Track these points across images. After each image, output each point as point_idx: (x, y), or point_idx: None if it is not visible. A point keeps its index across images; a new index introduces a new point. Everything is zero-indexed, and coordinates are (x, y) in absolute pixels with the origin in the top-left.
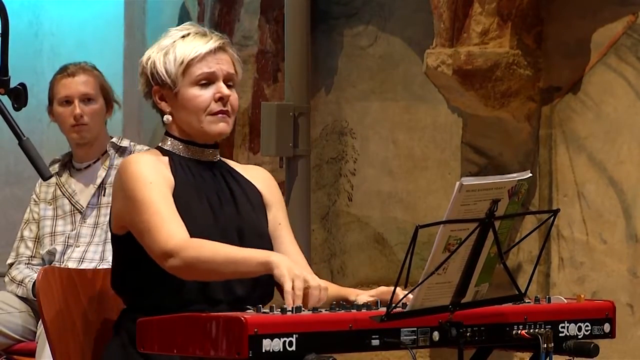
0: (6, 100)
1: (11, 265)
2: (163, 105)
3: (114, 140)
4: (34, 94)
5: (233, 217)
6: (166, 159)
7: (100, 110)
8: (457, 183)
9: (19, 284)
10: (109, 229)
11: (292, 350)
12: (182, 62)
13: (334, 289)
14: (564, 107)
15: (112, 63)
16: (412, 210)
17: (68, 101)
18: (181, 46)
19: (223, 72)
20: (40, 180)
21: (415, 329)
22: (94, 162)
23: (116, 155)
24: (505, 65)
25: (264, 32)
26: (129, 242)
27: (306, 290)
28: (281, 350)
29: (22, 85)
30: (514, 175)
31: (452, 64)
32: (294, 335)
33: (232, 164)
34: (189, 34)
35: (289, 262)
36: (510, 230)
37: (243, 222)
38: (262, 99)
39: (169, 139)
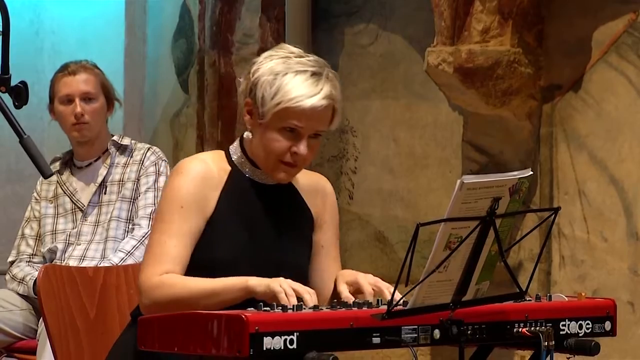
0: (7, 98)
1: (12, 263)
2: (248, 120)
3: (115, 138)
4: (35, 92)
5: (273, 249)
6: (227, 170)
7: (101, 108)
8: (458, 181)
9: (20, 282)
10: (110, 227)
11: (293, 348)
12: (278, 104)
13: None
14: (564, 106)
15: (113, 61)
16: (413, 209)
17: (69, 100)
18: (289, 84)
19: (313, 130)
20: (41, 178)
21: (416, 327)
22: (95, 161)
23: (117, 153)
24: (506, 64)
25: (265, 31)
26: None
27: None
28: (282, 348)
29: (23, 83)
30: (515, 173)
31: (453, 62)
32: (295, 334)
33: (298, 175)
34: (305, 72)
35: (266, 280)
36: (511, 228)
37: (282, 255)
38: None
39: (243, 154)
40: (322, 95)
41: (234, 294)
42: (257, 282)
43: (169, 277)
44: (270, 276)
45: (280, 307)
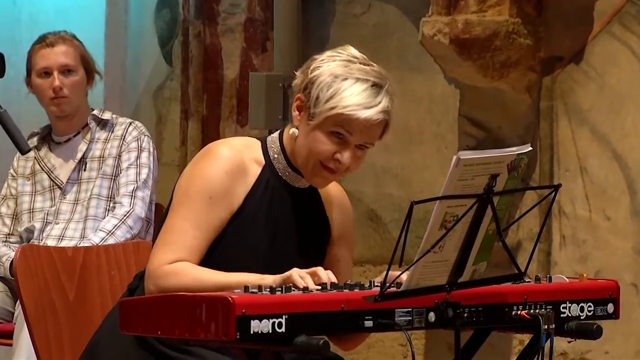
0: None
1: None
2: (296, 115)
3: (95, 112)
4: (12, 64)
5: (290, 251)
6: (260, 163)
7: (81, 81)
8: (454, 157)
9: None
10: (90, 205)
11: (282, 331)
12: (333, 108)
13: None
14: (565, 78)
15: (93, 32)
16: (407, 186)
17: (47, 72)
18: (347, 91)
19: (361, 141)
20: (18, 154)
21: (410, 309)
22: (75, 136)
23: (97, 128)
24: (504, 34)
25: (252, 0)
26: None
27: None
28: (270, 331)
29: (0, 55)
30: (514, 149)
31: (449, 33)
32: (284, 316)
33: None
34: (366, 81)
35: (281, 275)
36: (510, 206)
37: (299, 259)
38: (250, 70)
39: (280, 149)
40: (379, 109)
41: None
42: (272, 280)
43: (182, 265)
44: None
45: (268, 290)
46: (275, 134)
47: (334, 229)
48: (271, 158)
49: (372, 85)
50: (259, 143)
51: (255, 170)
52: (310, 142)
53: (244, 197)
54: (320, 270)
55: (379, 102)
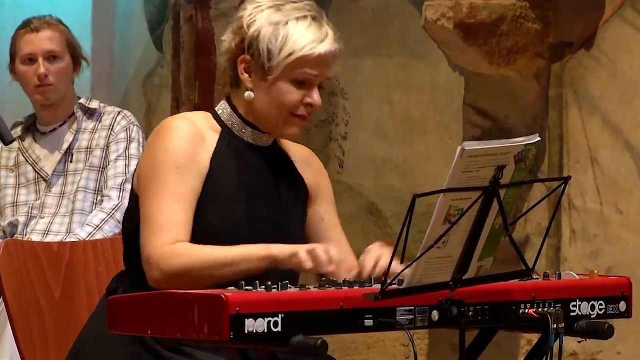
0: None
1: None
2: (246, 78)
3: (82, 101)
4: None
5: (270, 214)
6: (217, 131)
7: (67, 68)
8: (459, 148)
9: None
10: (76, 199)
11: (278, 331)
12: (290, 54)
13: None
14: (576, 65)
15: (80, 17)
16: (409, 178)
17: (32, 59)
18: (295, 33)
19: (323, 77)
20: (1, 145)
21: (412, 308)
22: (60, 126)
23: (84, 118)
24: (511, 19)
25: None
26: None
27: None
28: (265, 331)
29: None
30: (521, 139)
31: (453, 17)
32: (280, 315)
33: (285, 146)
34: (306, 18)
35: (289, 247)
36: (517, 199)
37: (280, 220)
38: None
39: (233, 113)
40: (330, 38)
41: (255, 264)
42: (279, 250)
43: (183, 246)
44: (265, 241)
45: (263, 287)
46: (223, 102)
47: (309, 185)
48: (225, 122)
49: (312, 20)
50: (209, 114)
51: (213, 136)
52: (276, 97)
53: (209, 161)
54: (332, 248)
55: (327, 33)
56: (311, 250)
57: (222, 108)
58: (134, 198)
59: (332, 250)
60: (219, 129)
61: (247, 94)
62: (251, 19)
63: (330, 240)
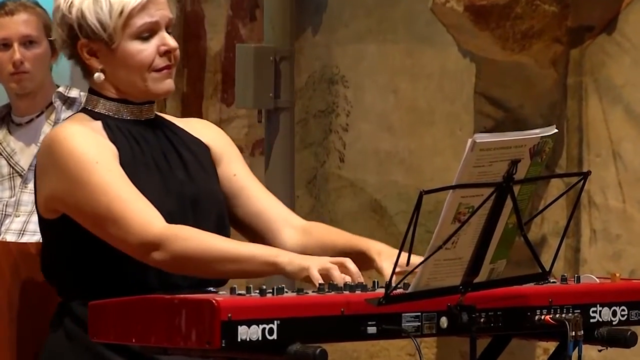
0: None
1: None
2: (93, 61)
3: (60, 89)
4: None
5: (185, 183)
6: (98, 123)
7: (44, 54)
8: (469, 141)
9: None
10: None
11: (273, 339)
12: (121, 12)
13: (343, 239)
14: (596, 51)
15: None
16: (416, 173)
17: (6, 44)
18: None
19: (165, 20)
20: None
21: (419, 314)
22: (37, 116)
23: (63, 107)
24: (526, 1)
25: None
26: (65, 227)
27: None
28: (260, 339)
29: None
30: (537, 131)
31: None
32: (275, 322)
33: (171, 118)
34: None
35: (301, 258)
36: (532, 196)
37: (197, 188)
38: (237, 41)
39: (100, 99)
40: None
41: (259, 267)
42: (288, 260)
43: (186, 229)
44: (189, 211)
45: (257, 291)
46: (86, 99)
47: (210, 146)
48: (102, 112)
49: None
50: (83, 114)
51: (100, 131)
52: (129, 61)
53: (113, 145)
54: (348, 262)
55: None
56: (326, 269)
57: (89, 101)
58: (59, 223)
59: (349, 263)
60: (99, 124)
61: (95, 75)
62: (68, 3)
63: (255, 196)
